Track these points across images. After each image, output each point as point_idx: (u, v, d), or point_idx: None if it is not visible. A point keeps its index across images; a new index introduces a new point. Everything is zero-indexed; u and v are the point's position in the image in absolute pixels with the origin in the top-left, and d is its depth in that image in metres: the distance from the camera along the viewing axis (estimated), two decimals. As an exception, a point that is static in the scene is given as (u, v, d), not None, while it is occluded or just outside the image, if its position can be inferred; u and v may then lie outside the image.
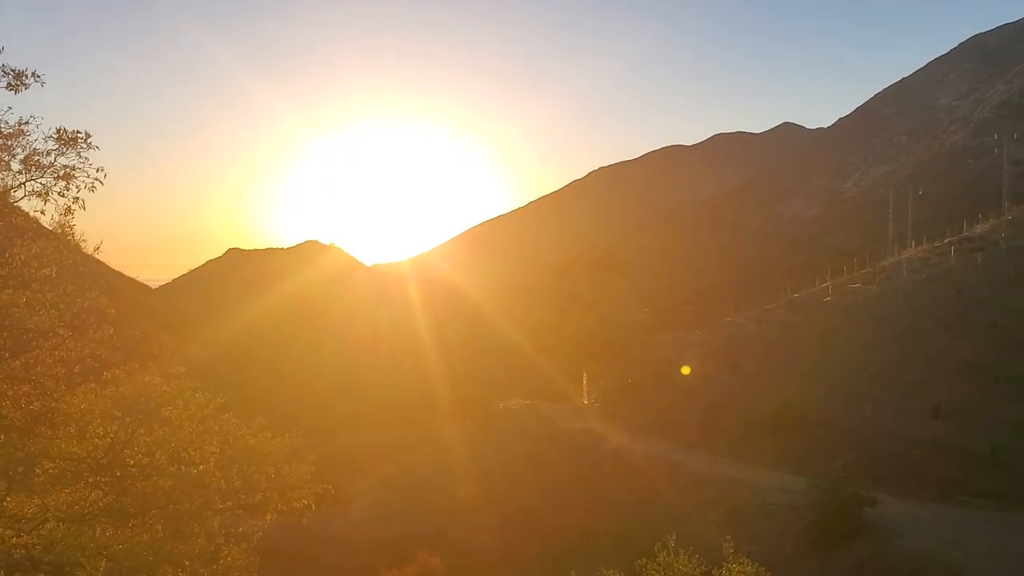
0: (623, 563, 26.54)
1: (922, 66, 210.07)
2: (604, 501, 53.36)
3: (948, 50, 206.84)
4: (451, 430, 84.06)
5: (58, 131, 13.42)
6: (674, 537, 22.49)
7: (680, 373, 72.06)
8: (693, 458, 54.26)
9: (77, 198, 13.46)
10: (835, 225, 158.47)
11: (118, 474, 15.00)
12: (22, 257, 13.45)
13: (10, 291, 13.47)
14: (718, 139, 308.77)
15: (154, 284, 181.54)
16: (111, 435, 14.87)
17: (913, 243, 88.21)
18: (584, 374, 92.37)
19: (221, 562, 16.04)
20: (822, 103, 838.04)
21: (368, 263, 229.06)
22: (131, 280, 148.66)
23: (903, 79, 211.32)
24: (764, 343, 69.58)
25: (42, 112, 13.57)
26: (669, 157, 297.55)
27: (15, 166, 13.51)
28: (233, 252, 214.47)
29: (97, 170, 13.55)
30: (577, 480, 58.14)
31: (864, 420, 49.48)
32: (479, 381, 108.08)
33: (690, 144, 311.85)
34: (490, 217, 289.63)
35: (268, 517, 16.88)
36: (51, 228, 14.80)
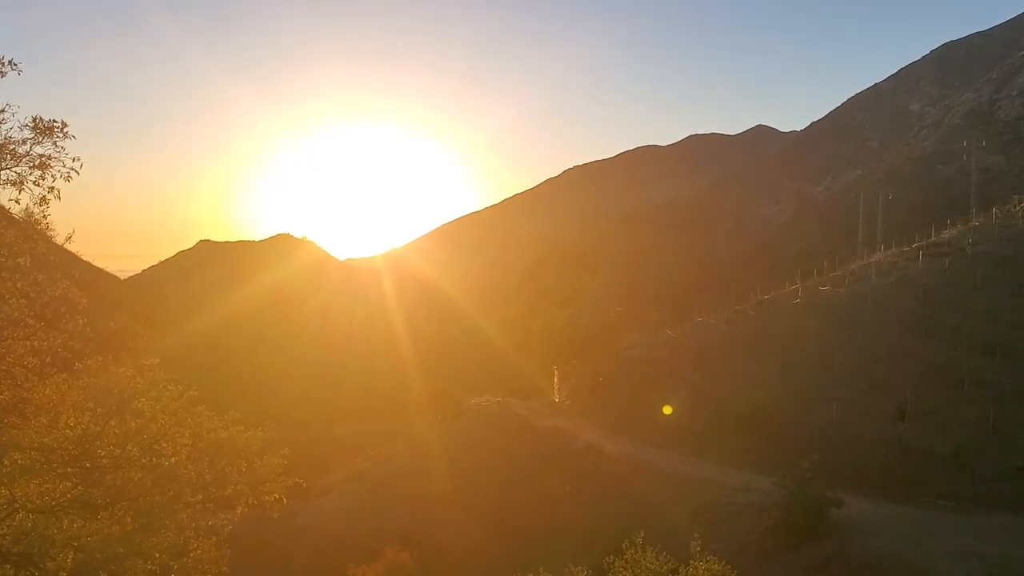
0: (591, 560, 26.77)
1: (894, 72, 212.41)
2: (573, 498, 53.58)
3: (919, 57, 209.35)
4: (423, 425, 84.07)
5: (34, 120, 13.33)
6: (642, 535, 22.70)
7: (649, 370, 72.50)
8: (662, 456, 54.63)
9: (52, 187, 13.37)
10: (806, 228, 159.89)
11: (88, 466, 14.92)
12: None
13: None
14: (692, 140, 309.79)
15: (123, 275, 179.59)
16: (82, 426, 14.78)
17: (882, 247, 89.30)
18: (555, 371, 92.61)
19: (191, 555, 16.01)
20: (796, 107, 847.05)
21: (340, 257, 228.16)
22: (100, 271, 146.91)
23: (875, 85, 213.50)
24: (734, 343, 70.13)
25: (16, 101, 13.46)
26: (643, 157, 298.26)
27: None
28: (204, 244, 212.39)
29: (73, 160, 13.48)
30: (547, 477, 58.31)
31: (831, 421, 50.08)
32: (451, 376, 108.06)
33: (664, 145, 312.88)
34: (464, 214, 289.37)
35: (239, 510, 16.83)
36: (20, 218, 14.68)
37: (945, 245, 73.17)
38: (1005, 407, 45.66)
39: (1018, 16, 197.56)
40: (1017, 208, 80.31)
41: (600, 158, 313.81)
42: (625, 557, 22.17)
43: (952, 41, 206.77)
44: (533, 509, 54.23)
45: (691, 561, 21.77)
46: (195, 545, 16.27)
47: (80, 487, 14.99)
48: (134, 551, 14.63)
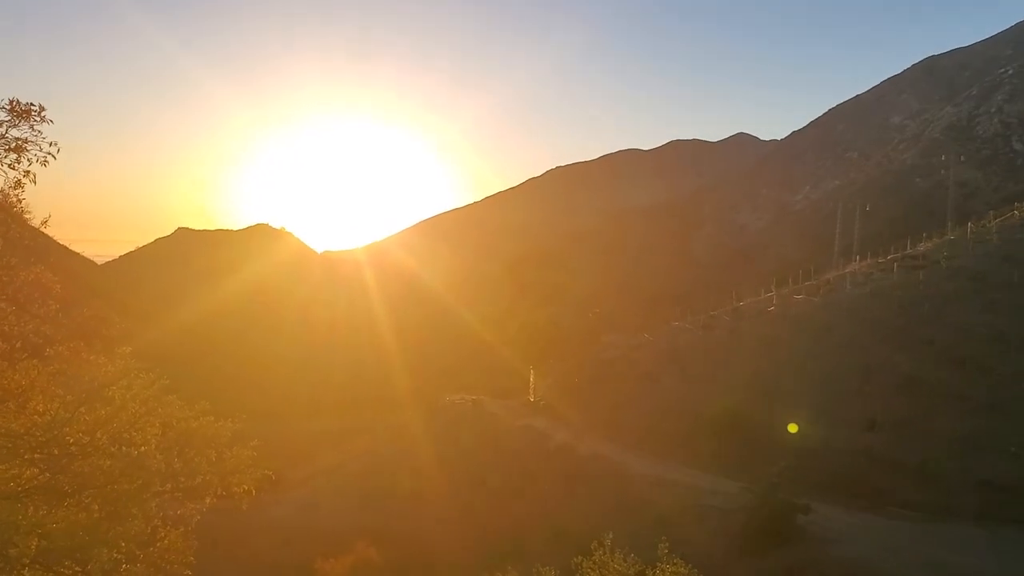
0: (559, 560, 26.81)
1: (876, 85, 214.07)
2: (544, 498, 53.69)
3: (902, 70, 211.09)
4: (397, 422, 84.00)
5: (11, 103, 13.18)
6: (611, 536, 22.79)
7: (624, 372, 72.77)
8: (634, 459, 54.86)
9: (28, 171, 13.25)
10: (783, 236, 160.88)
11: (56, 452, 14.78)
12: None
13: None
14: (674, 145, 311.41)
15: (100, 260, 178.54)
16: (51, 413, 14.65)
17: (858, 258, 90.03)
18: (531, 371, 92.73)
19: (158, 544, 15.87)
20: (778, 115, 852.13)
21: (319, 249, 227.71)
22: (77, 255, 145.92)
23: (857, 96, 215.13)
24: (709, 349, 70.54)
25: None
26: (625, 160, 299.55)
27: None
28: (182, 232, 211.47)
29: (50, 144, 13.35)
30: (518, 477, 58.41)
31: (801, 428, 50.44)
32: (430, 371, 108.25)
33: (647, 148, 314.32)
34: (446, 209, 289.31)
35: (207, 501, 16.71)
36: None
37: (920, 258, 73.96)
38: (973, 420, 46.19)
39: (1000, 33, 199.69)
40: (992, 224, 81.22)
41: (583, 159, 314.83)
42: (593, 558, 22.25)
43: (934, 56, 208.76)
44: (503, 507, 54.30)
45: (658, 564, 21.87)
46: (162, 535, 16.13)
47: (47, 474, 14.85)
48: (100, 539, 14.49)
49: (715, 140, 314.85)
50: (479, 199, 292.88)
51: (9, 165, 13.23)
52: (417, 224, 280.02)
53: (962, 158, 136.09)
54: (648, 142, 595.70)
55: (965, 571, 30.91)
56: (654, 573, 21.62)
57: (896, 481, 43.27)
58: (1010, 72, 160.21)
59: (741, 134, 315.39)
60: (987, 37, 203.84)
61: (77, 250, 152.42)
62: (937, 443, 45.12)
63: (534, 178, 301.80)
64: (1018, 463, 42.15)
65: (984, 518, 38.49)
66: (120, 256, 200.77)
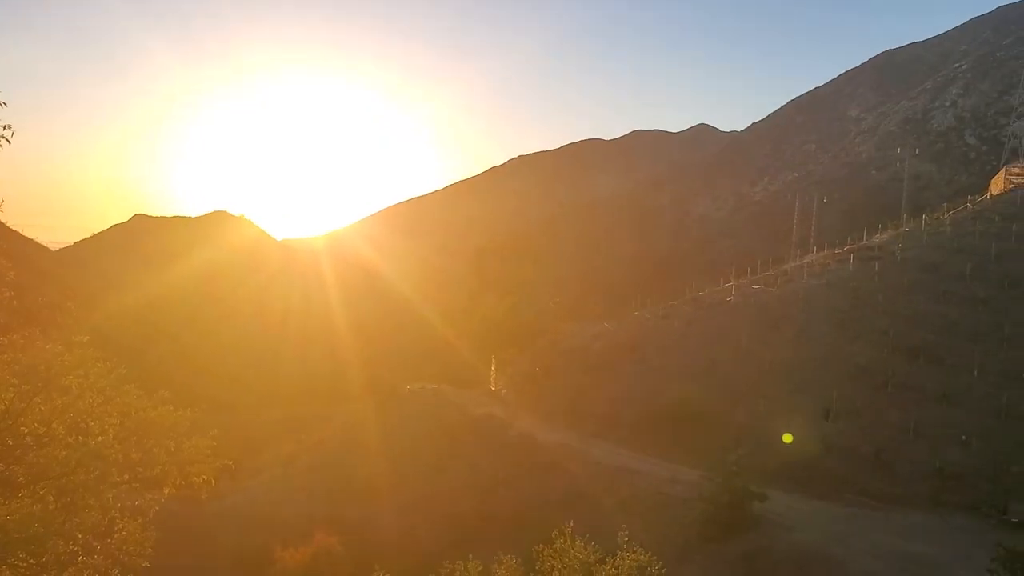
0: (520, 548, 26.90)
1: (834, 78, 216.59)
2: (504, 487, 53.82)
3: (859, 64, 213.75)
4: (356, 411, 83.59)
5: (-37, 86, 12.90)
6: (571, 524, 22.91)
7: (585, 362, 73.15)
8: (594, 447, 55.16)
9: (-18, 155, 12.98)
10: (742, 227, 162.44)
11: (11, 443, 14.55)
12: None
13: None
14: (636, 135, 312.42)
15: (55, 246, 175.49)
16: (5, 403, 14.40)
17: (815, 249, 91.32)
18: (493, 360, 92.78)
19: (116, 535, 15.69)
20: (738, 107, 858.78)
21: (278, 237, 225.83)
22: (30, 241, 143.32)
23: (815, 89, 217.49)
24: (667, 338, 71.11)
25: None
26: (587, 150, 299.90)
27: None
28: (139, 218, 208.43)
29: (3, 128, 13.09)
30: (479, 465, 58.47)
31: (758, 417, 51.11)
32: (389, 361, 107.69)
33: (609, 139, 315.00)
34: (406, 198, 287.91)
35: (166, 491, 16.54)
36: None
37: (876, 249, 75.17)
38: (926, 410, 47.16)
39: (954, 29, 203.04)
40: (946, 216, 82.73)
41: (545, 148, 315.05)
42: (554, 546, 22.32)
43: (891, 49, 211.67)
44: (464, 496, 54.34)
45: (618, 552, 22.04)
46: (120, 525, 15.92)
47: (0, 464, 14.62)
48: (55, 531, 14.30)
49: (675, 131, 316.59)
50: (441, 187, 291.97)
51: (-38, 150, 12.95)
52: (378, 212, 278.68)
53: (917, 151, 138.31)
54: (610, 132, 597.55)
55: (915, 557, 31.57)
56: (615, 561, 21.77)
57: (851, 469, 44.05)
58: (964, 67, 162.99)
59: (701, 125, 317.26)
60: (942, 32, 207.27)
61: (31, 235, 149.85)
62: (891, 432, 46.02)
63: (496, 167, 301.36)
64: (969, 451, 43.12)
65: (937, 505, 39.35)
66: (76, 242, 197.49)
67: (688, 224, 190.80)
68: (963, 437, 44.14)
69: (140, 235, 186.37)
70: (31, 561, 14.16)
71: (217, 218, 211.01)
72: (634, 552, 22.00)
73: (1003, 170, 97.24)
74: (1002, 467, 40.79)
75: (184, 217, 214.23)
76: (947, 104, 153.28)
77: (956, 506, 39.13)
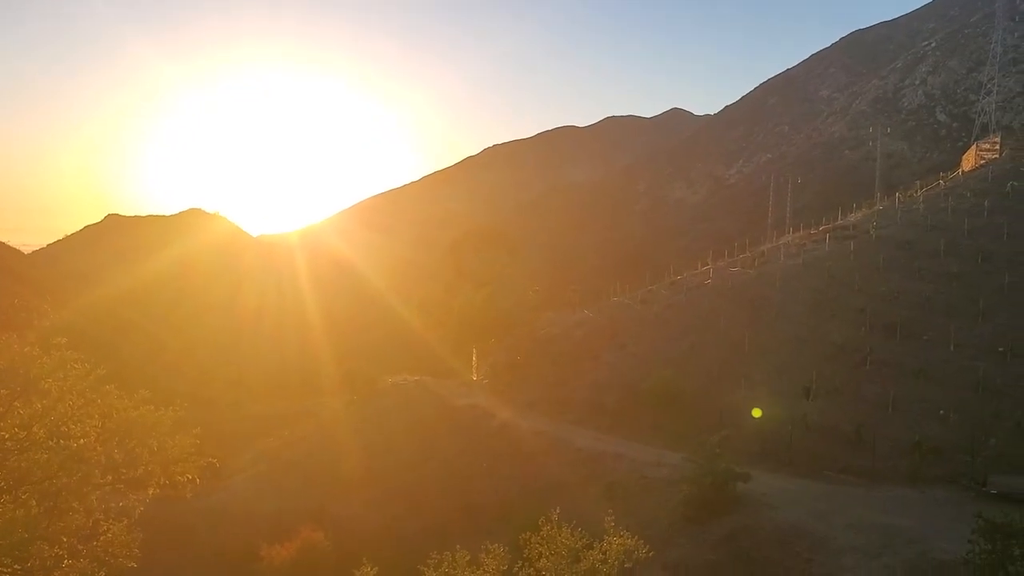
0: (507, 537, 27.01)
1: (805, 59, 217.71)
2: (489, 476, 53.93)
3: (829, 44, 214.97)
4: (337, 404, 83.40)
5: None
6: (557, 511, 23.04)
7: (565, 349, 73.32)
8: (577, 434, 55.33)
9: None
10: (718, 210, 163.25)
11: (-9, 448, 14.42)
12: None
13: None
14: (610, 122, 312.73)
15: (27, 249, 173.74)
16: (-16, 408, 14.27)
17: (791, 229, 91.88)
18: (473, 351, 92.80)
19: (101, 538, 15.58)
20: (711, 90, 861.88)
21: (254, 233, 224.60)
22: (2, 244, 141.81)
23: (787, 70, 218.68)
24: (647, 323, 71.35)
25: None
26: (562, 138, 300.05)
27: None
28: (113, 218, 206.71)
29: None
30: (462, 455, 58.54)
31: (739, 398, 51.45)
32: (367, 356, 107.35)
33: (583, 126, 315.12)
34: (381, 191, 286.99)
35: (150, 491, 16.44)
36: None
37: (851, 228, 75.80)
38: (904, 385, 47.65)
39: (923, 7, 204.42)
40: (919, 193, 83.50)
41: (520, 137, 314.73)
42: (541, 533, 22.46)
43: (860, 29, 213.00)
44: (448, 486, 54.42)
45: (605, 537, 22.20)
46: (105, 528, 15.81)
47: (-19, 471, 14.48)
48: (39, 535, 14.19)
49: (649, 116, 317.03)
50: (417, 179, 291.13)
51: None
52: (353, 206, 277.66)
53: (888, 130, 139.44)
54: (585, 119, 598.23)
55: (897, 531, 31.95)
56: (602, 546, 21.92)
57: (832, 447, 44.44)
58: (932, 45, 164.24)
59: (674, 109, 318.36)
60: (911, 11, 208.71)
61: (3, 239, 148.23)
62: (868, 409, 46.47)
63: (471, 157, 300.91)
64: (947, 425, 43.63)
65: (916, 479, 39.80)
66: (49, 244, 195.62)
67: (664, 209, 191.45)
68: (941, 411, 44.64)
69: (113, 235, 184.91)
70: (16, 567, 14.06)
71: (191, 216, 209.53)
72: (620, 536, 22.18)
73: (974, 146, 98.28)
74: (980, 440, 41.28)
75: (158, 216, 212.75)
76: (917, 82, 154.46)
77: (936, 480, 39.58)
